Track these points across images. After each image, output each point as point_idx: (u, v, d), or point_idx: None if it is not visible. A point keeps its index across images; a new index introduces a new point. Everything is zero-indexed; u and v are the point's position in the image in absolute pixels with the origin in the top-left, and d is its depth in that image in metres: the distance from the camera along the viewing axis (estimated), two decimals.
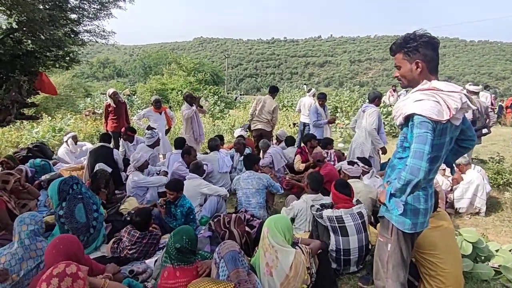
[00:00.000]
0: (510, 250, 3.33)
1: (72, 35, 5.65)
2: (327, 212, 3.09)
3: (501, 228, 4.32)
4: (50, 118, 10.48)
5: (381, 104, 13.01)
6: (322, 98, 6.94)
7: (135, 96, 20.42)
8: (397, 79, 2.00)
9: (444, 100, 1.75)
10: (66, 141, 6.57)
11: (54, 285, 1.76)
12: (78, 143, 6.83)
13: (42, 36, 4.78)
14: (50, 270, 1.84)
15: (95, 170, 4.52)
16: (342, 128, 10.20)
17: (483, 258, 3.27)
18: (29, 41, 4.98)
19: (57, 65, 5.92)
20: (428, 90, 1.81)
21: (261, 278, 2.47)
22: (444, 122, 1.74)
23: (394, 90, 13.35)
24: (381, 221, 2.14)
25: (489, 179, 4.95)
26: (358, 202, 3.28)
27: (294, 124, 11.09)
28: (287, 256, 2.45)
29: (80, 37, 5.84)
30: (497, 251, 3.33)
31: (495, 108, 14.34)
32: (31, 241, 2.64)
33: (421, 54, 1.86)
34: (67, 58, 5.80)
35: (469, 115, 5.23)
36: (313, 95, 8.14)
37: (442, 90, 1.78)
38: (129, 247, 3.16)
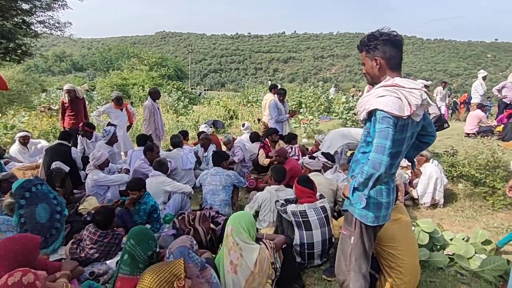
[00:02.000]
0: (463, 239, 3.53)
1: (24, 26, 5.31)
2: (291, 207, 3.12)
3: (455, 218, 4.57)
4: (0, 114, 9.80)
5: (354, 99, 13.40)
6: (282, 94, 7.05)
7: (95, 92, 19.59)
8: (364, 75, 2.07)
9: (405, 96, 1.80)
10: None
11: None
12: (32, 140, 6.45)
13: None
14: (4, 278, 1.68)
15: (50, 169, 4.28)
16: (306, 123, 10.32)
17: (438, 247, 3.45)
18: None
19: (8, 58, 5.55)
20: (390, 87, 1.86)
21: (225, 276, 2.44)
22: (405, 118, 1.79)
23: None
24: (345, 214, 2.17)
25: (444, 171, 5.19)
26: (321, 196, 3.33)
27: (259, 120, 11.11)
28: (251, 252, 2.44)
29: (33, 28, 5.50)
30: (451, 240, 3.53)
31: (450, 104, 15.15)
32: None
33: (380, 51, 1.91)
34: (19, 51, 5.46)
35: (435, 110, 5.46)
36: None
37: (403, 87, 1.83)
38: (89, 246, 3.00)
